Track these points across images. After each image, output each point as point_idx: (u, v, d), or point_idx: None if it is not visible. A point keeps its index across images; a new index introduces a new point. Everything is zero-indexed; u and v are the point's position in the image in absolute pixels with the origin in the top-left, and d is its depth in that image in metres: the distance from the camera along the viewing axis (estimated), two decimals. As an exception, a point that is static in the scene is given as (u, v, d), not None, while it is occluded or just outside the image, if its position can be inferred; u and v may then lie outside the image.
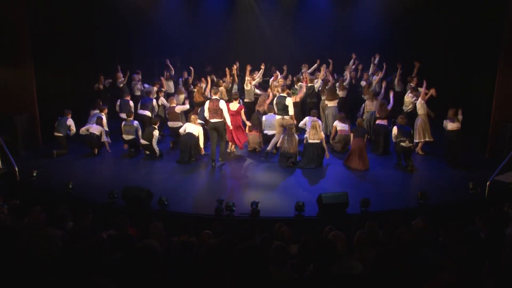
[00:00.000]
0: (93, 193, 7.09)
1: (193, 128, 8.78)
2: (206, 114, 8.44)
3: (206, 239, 4.47)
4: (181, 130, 8.94)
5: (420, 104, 9.17)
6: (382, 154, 9.27)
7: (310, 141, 8.48)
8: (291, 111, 9.02)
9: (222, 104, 8.30)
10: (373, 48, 12.30)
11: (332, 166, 8.66)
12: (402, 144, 8.25)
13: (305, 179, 7.98)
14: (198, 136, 8.75)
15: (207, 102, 8.42)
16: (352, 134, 8.90)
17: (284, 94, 9.14)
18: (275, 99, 9.30)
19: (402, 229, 3.89)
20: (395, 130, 8.56)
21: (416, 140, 9.12)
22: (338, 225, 4.75)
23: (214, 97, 8.43)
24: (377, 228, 4.50)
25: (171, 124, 10.06)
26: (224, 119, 8.35)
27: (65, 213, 4.72)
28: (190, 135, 8.72)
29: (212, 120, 8.39)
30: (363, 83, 11.22)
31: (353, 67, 11.91)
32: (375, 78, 11.05)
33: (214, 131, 8.46)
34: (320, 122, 8.99)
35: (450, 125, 8.53)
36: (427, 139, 9.19)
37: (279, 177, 8.06)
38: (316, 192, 6.68)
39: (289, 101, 9.03)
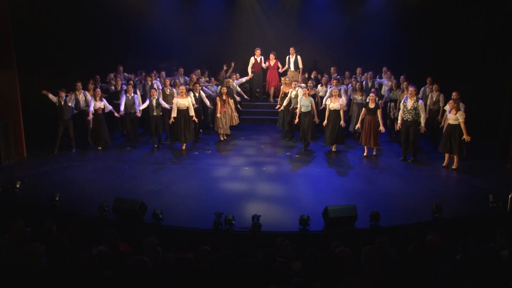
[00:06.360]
0: (81, 205, 7.07)
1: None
2: None
3: (204, 256, 4.45)
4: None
5: None
6: None
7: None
8: None
9: None
10: (381, 51, 12.43)
11: (339, 176, 8.66)
12: None
13: (310, 190, 7.98)
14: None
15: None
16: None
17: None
18: None
19: (416, 246, 3.87)
20: None
21: None
22: (346, 240, 4.73)
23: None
24: (388, 244, 4.46)
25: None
26: None
27: (51, 227, 4.69)
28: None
29: None
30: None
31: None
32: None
33: None
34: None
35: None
36: None
37: (282, 188, 8.08)
38: (322, 205, 6.65)
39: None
